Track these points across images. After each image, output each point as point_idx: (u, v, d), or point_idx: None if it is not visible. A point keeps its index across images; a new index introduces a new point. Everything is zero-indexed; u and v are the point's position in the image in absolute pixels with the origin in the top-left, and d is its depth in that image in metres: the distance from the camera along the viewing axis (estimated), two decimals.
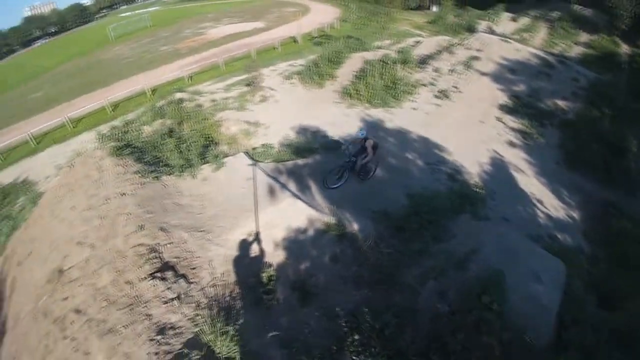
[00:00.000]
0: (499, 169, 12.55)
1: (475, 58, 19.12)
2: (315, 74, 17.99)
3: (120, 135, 8.77)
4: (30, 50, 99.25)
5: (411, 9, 48.98)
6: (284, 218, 6.24)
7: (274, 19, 46.10)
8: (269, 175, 7.17)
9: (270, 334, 4.78)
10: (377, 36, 28.53)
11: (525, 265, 6.58)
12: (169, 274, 4.99)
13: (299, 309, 5.59)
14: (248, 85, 18.02)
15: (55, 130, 25.76)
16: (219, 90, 18.97)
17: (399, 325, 5.62)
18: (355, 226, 7.34)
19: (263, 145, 11.47)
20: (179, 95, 16.69)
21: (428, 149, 13.05)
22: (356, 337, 5.20)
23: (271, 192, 6.47)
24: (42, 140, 25.45)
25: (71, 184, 7.67)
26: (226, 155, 8.02)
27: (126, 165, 7.11)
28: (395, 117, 15.12)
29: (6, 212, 15.63)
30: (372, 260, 6.88)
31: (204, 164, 7.41)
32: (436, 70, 18.97)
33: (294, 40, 30.08)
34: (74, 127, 25.44)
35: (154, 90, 25.74)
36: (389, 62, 18.22)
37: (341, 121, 14.10)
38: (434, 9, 48.94)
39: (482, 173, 12.19)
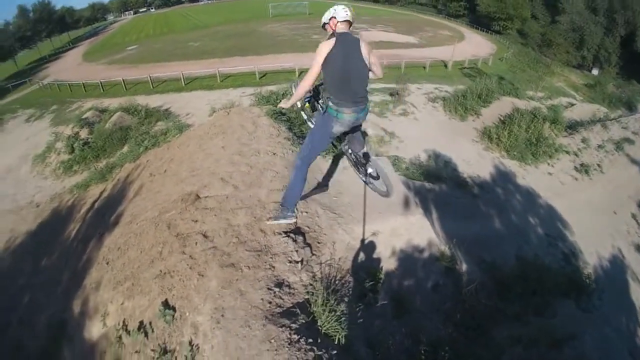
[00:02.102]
0: (616, 269, 11.44)
1: (629, 141, 17.13)
2: (460, 105, 17.70)
3: (277, 102, 9.50)
4: (195, 5, 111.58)
5: (572, 65, 45.73)
6: (409, 231, 6.35)
7: (427, 38, 46.09)
8: (405, 187, 7.26)
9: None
10: (531, 86, 27.05)
11: None
12: (300, 239, 5.36)
13: (390, 319, 5.71)
14: (392, 95, 18.34)
15: (204, 78, 28.85)
16: None
17: None
18: (464, 266, 7.20)
19: (394, 156, 11.64)
20: None
21: (551, 219, 12.30)
22: None
23: (405, 203, 6.57)
24: (190, 83, 28.58)
25: (224, 127, 8.53)
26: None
27: (279, 130, 7.71)
28: (528, 176, 14.40)
29: (145, 129, 17.89)
30: (468, 305, 6.76)
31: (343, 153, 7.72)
32: (584, 140, 17.44)
33: (444, 64, 29.77)
34: (221, 81, 28.17)
35: (301, 72, 27.42)
36: (538, 117, 17.21)
37: (474, 161, 13.79)
38: (595, 72, 45.19)
39: (598, 266, 11.22)
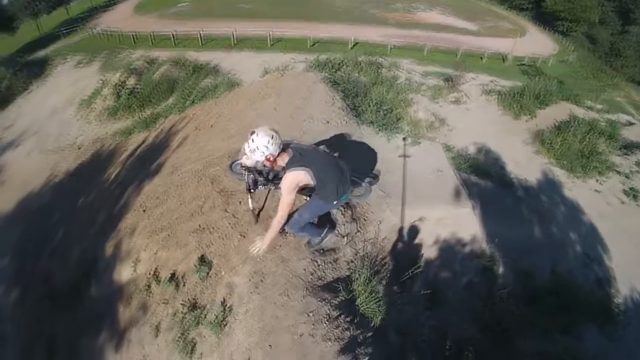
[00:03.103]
0: None
1: None
2: (515, 102, 16.97)
3: (332, 70, 9.31)
4: None
5: (636, 82, 43.02)
6: (455, 223, 6.15)
7: (487, 28, 44.12)
8: (457, 177, 7.00)
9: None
10: (592, 95, 25.59)
11: None
12: (348, 213, 5.29)
13: (422, 309, 5.61)
14: (446, 80, 17.77)
15: (254, 39, 28.69)
16: (416, 72, 19.12)
17: None
18: (500, 269, 7.02)
19: (443, 144, 11.36)
20: (380, 59, 17.11)
21: (591, 239, 11.81)
22: None
23: (456, 193, 6.35)
24: (240, 43, 28.52)
25: (278, 89, 8.45)
26: (417, 137, 8.03)
27: (334, 99, 7.53)
28: (575, 188, 13.80)
29: (193, 83, 17.98)
30: (498, 309, 6.58)
31: (396, 132, 7.51)
32: (638, 164, 16.41)
33: (502, 57, 28.55)
34: (272, 45, 28.01)
35: (354, 44, 26.93)
36: (595, 129, 16.27)
37: (523, 163, 13.27)
38: None
39: (629, 297, 10.66)
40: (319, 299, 4.28)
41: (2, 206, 11.54)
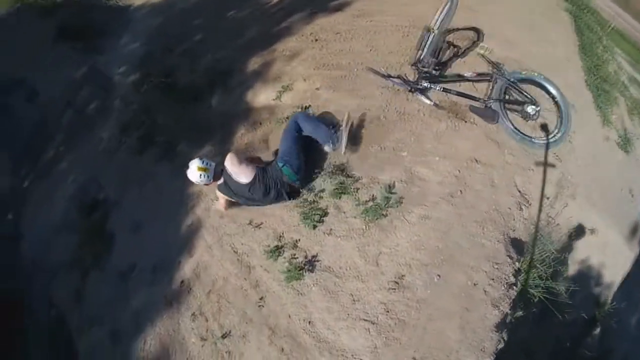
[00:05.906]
0: None
1: None
2: None
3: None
4: None
5: None
6: (612, 256, 5.50)
7: None
8: None
9: None
10: None
11: None
12: (542, 177, 4.63)
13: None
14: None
15: None
16: (624, 70, 16.56)
17: None
18: (598, 329, 6.33)
19: None
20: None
21: None
22: None
23: (633, 230, 5.66)
24: None
25: None
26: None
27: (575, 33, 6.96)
28: None
29: None
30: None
31: (611, 123, 6.56)
32: None
33: None
34: None
35: None
36: None
37: None
38: None
39: None
40: (507, 253, 3.68)
41: None
